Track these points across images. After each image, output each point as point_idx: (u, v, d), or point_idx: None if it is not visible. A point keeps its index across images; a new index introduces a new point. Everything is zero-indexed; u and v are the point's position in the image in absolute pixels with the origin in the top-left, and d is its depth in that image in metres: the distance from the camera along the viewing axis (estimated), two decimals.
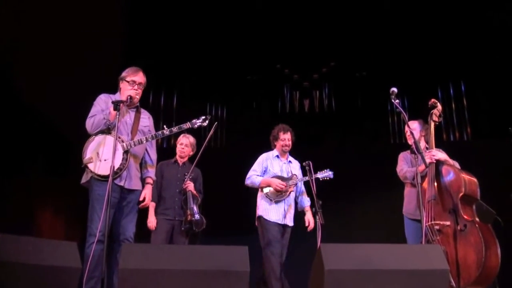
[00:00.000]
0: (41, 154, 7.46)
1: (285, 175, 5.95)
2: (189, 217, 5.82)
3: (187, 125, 4.72)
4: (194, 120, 4.77)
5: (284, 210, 5.73)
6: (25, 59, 6.94)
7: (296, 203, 6.03)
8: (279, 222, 5.71)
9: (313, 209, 5.32)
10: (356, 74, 9.49)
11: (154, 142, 4.83)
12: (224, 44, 9.26)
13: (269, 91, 9.64)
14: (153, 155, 4.85)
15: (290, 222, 5.79)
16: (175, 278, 3.16)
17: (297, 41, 9.29)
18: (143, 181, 4.73)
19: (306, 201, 6.02)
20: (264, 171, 6.04)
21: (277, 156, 6.11)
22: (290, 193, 5.82)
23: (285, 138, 6.07)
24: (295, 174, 5.96)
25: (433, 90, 9.03)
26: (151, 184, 4.78)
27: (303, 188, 6.08)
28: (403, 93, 8.84)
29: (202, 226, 5.94)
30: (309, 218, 5.87)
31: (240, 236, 7.52)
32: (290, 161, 6.14)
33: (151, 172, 4.79)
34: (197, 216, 5.87)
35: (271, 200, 5.81)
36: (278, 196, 5.79)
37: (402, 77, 8.73)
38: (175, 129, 4.65)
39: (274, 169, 5.99)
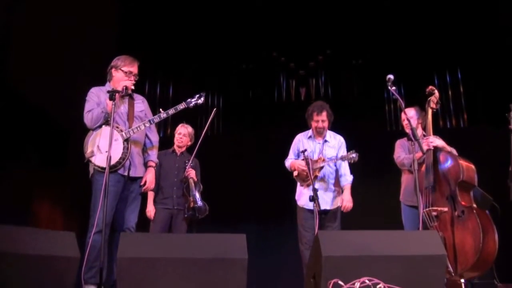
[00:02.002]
0: (39, 145, 7.44)
1: (316, 157, 5.60)
2: (191, 204, 5.82)
3: (182, 105, 4.71)
4: (189, 100, 4.77)
5: (313, 184, 5.24)
6: (19, 49, 6.91)
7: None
8: (306, 207, 5.51)
9: (311, 196, 5.24)
10: (352, 61, 9.45)
11: (153, 125, 4.81)
12: (219, 32, 9.22)
13: (265, 79, 9.61)
14: (154, 137, 4.85)
15: (325, 205, 5.46)
16: (173, 267, 3.17)
17: (293, 29, 9.25)
18: (145, 165, 4.75)
19: (344, 180, 5.61)
20: (298, 154, 5.72)
21: (310, 137, 5.77)
22: (315, 177, 5.45)
23: (319, 119, 5.61)
24: (320, 156, 5.57)
25: (430, 77, 9.00)
26: (153, 167, 4.78)
27: (344, 165, 5.66)
28: (399, 80, 8.81)
29: (205, 213, 5.93)
30: (342, 197, 5.52)
31: (238, 224, 7.58)
32: (326, 141, 5.73)
33: (152, 155, 4.79)
34: (199, 203, 5.87)
35: (300, 184, 5.68)
36: (304, 179, 5.58)
37: (398, 65, 8.71)
38: (171, 111, 4.64)
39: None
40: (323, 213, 5.44)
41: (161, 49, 9.22)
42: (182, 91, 9.12)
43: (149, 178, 4.69)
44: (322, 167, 5.54)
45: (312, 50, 9.50)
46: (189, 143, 6.24)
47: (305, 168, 5.40)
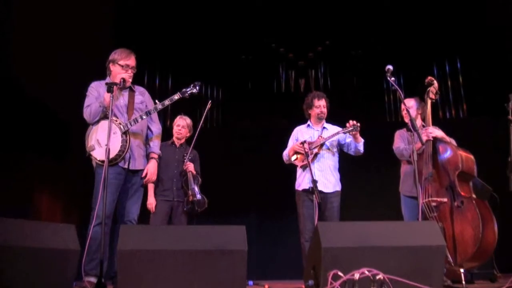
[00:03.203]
0: (39, 138, 7.44)
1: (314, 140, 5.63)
2: (190, 198, 5.84)
3: (177, 96, 4.69)
4: (184, 89, 4.74)
5: (313, 175, 5.21)
6: (19, 43, 6.89)
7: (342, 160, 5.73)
8: (307, 188, 5.42)
9: (310, 188, 5.23)
10: (351, 52, 9.45)
11: (155, 115, 4.84)
12: (218, 23, 9.19)
13: (265, 70, 9.60)
14: (155, 127, 4.86)
15: (324, 188, 5.44)
16: (173, 259, 3.18)
17: (292, 19, 9.24)
18: (147, 157, 4.77)
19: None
20: None
21: (309, 126, 5.83)
22: (315, 155, 5.50)
23: (320, 104, 5.72)
24: (320, 136, 5.62)
25: (429, 67, 9.01)
26: (155, 159, 4.79)
27: (347, 139, 5.65)
28: (399, 71, 8.83)
29: (204, 206, 5.95)
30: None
31: (238, 216, 7.59)
32: (325, 128, 5.77)
33: (154, 146, 4.81)
34: (198, 196, 5.89)
35: (299, 167, 5.63)
36: (303, 160, 5.51)
37: (398, 55, 8.71)
38: (167, 102, 4.64)
39: (304, 138, 5.67)
40: (322, 199, 5.30)
41: (159, 41, 9.20)
42: (181, 83, 9.10)
43: (151, 169, 4.71)
44: (322, 144, 5.56)
45: (311, 41, 9.49)
46: (188, 135, 6.24)
47: (301, 145, 5.46)
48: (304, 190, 5.51)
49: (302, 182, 5.58)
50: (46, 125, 7.62)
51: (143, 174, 4.67)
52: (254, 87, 9.60)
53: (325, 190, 5.45)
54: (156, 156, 4.80)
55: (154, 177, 4.80)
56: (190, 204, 5.84)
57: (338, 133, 5.54)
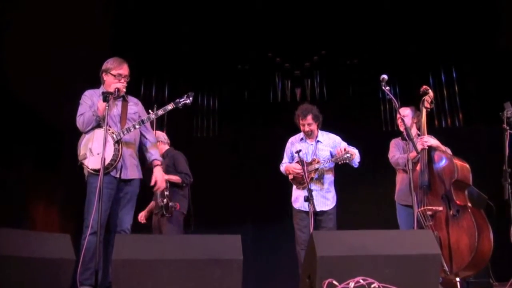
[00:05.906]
0: (33, 147, 7.43)
1: (309, 158, 5.52)
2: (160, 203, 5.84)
3: (171, 106, 4.67)
4: (177, 100, 4.72)
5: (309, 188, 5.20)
6: (13, 50, 6.90)
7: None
8: (303, 209, 5.40)
9: (306, 197, 5.22)
10: (347, 62, 9.47)
11: (149, 125, 4.81)
12: (215, 33, 9.22)
13: (261, 80, 9.62)
14: (151, 137, 4.84)
15: (324, 207, 5.39)
16: (168, 268, 3.17)
17: (288, 29, 9.26)
18: (142, 166, 4.75)
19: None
20: (292, 157, 5.66)
21: (302, 139, 5.71)
22: (311, 179, 5.40)
23: (305, 123, 5.54)
24: (315, 158, 5.49)
25: (425, 76, 9.03)
26: (159, 166, 4.75)
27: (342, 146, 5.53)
28: (394, 80, 8.84)
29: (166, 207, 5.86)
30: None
31: (233, 226, 7.57)
32: (319, 141, 5.63)
33: (155, 153, 4.77)
34: (165, 201, 5.83)
35: (296, 186, 5.60)
36: (300, 182, 5.49)
37: (393, 64, 8.74)
38: (160, 112, 4.63)
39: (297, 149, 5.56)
40: (319, 214, 5.32)
41: (156, 50, 9.21)
42: (177, 92, 9.11)
43: (159, 177, 4.69)
44: (317, 169, 5.46)
45: (307, 51, 9.52)
46: (166, 147, 6.21)
47: (300, 171, 5.37)
48: (298, 209, 5.51)
49: (297, 200, 5.56)
50: (40, 134, 7.61)
51: (152, 183, 4.64)
52: (250, 96, 9.61)
53: (324, 209, 5.41)
54: (159, 163, 4.75)
55: (164, 184, 4.77)
56: (159, 209, 5.83)
57: (330, 161, 5.46)
